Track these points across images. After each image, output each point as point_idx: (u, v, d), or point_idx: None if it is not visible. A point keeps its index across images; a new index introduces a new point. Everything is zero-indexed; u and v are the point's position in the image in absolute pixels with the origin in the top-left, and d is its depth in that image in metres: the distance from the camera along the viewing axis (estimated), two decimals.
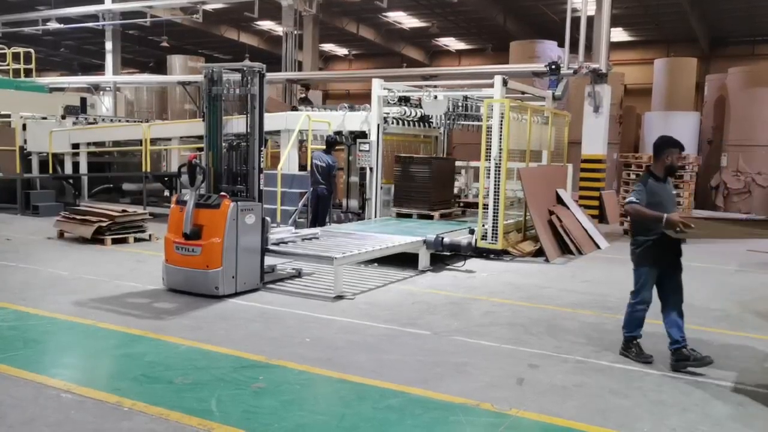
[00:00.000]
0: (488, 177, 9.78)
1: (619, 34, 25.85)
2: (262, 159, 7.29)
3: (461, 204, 13.20)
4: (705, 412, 4.27)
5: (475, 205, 12.32)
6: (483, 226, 9.81)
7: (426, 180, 11.21)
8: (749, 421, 4.17)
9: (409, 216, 11.33)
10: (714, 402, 4.45)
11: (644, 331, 5.33)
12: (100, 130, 15.48)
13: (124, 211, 10.88)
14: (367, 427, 3.91)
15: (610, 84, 14.32)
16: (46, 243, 10.43)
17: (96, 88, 22.37)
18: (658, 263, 5.19)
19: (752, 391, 4.65)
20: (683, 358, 5.03)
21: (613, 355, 5.39)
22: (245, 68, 7.27)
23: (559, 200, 11.23)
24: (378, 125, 11.17)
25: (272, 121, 11.89)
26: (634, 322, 5.33)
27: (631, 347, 5.35)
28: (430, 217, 11.08)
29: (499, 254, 9.83)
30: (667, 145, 5.28)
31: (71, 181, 15.28)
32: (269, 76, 9.21)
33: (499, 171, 9.68)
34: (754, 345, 5.83)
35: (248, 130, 7.24)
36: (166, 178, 15.85)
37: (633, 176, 12.93)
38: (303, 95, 17.19)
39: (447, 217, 11.56)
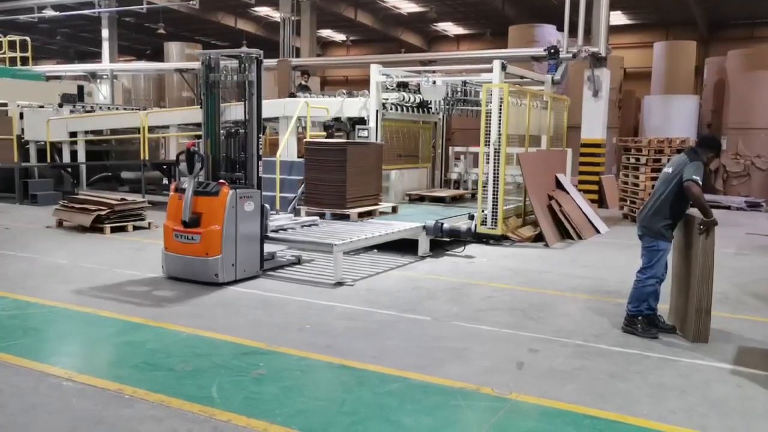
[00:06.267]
0: (488, 162, 9.76)
1: (618, 18, 25.70)
2: (260, 146, 7.27)
3: (420, 198, 11.88)
4: (704, 395, 4.29)
5: (442, 200, 11.83)
6: (482, 211, 9.80)
7: (339, 171, 9.17)
8: (748, 403, 4.19)
9: (320, 216, 9.41)
10: (713, 384, 4.47)
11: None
12: (97, 119, 15.42)
13: (122, 199, 10.87)
14: (367, 413, 3.93)
15: (609, 68, 14.26)
16: (45, 232, 10.42)
17: (93, 76, 22.24)
18: (672, 240, 5.52)
19: (751, 374, 4.67)
20: (652, 325, 5.52)
21: (613, 338, 5.41)
22: (243, 55, 7.23)
23: (559, 185, 11.22)
24: (377, 111, 11.13)
25: (270, 107, 11.85)
26: (641, 297, 5.48)
27: (636, 323, 5.50)
28: (345, 218, 9.16)
29: (498, 240, 9.83)
30: (715, 145, 5.62)
31: (69, 169, 15.24)
32: (267, 62, 9.18)
33: (498, 156, 9.66)
34: (753, 327, 5.85)
35: (246, 117, 7.21)
36: (164, 166, 15.81)
37: (633, 160, 12.90)
38: (304, 82, 17.08)
39: (367, 216, 9.45)
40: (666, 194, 5.44)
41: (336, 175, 9.23)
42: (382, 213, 9.86)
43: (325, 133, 11.54)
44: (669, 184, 5.43)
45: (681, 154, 5.66)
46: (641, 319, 5.50)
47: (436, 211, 10.58)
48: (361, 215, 9.28)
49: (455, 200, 12.02)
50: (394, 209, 10.17)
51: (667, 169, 5.56)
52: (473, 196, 12.28)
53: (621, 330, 5.57)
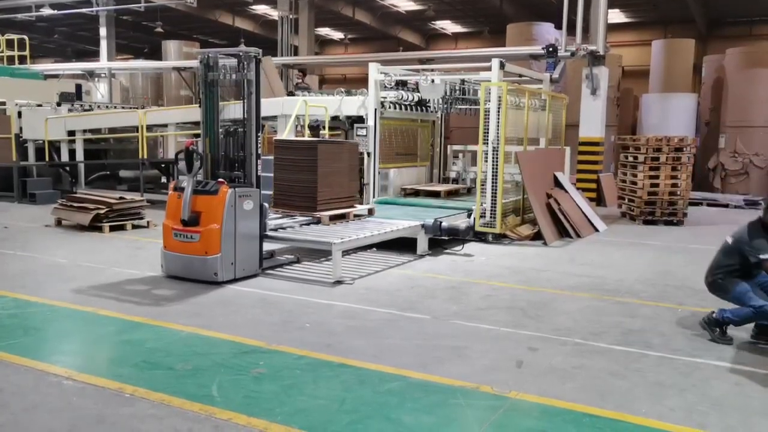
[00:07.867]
0: (486, 161, 9.77)
1: (617, 16, 25.73)
2: (259, 144, 7.27)
3: (415, 192, 11.68)
4: (703, 393, 4.30)
5: (437, 194, 11.61)
6: (481, 209, 9.81)
7: (310, 172, 8.53)
8: (747, 401, 4.20)
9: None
10: (712, 382, 4.48)
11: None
12: (95, 117, 15.41)
13: (121, 198, 10.86)
14: (367, 411, 3.94)
15: (607, 66, 14.27)
16: (44, 231, 10.41)
17: (91, 75, 22.23)
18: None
19: (750, 372, 4.68)
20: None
21: (612, 336, 5.43)
22: (241, 53, 7.23)
23: (557, 183, 11.23)
24: (375, 110, 11.13)
25: (269, 106, 11.85)
26: (745, 318, 5.26)
27: (719, 323, 5.34)
28: (316, 221, 8.66)
29: (497, 238, 9.84)
30: None
31: (68, 168, 15.24)
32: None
33: (496, 155, 9.66)
34: (752, 326, 5.84)
35: (245, 116, 7.22)
36: (163, 165, 15.81)
37: (631, 158, 12.91)
38: (300, 80, 17.18)
39: (339, 219, 8.83)
40: (728, 268, 5.34)
41: (306, 175, 8.59)
42: (357, 216, 9.19)
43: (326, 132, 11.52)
44: (729, 256, 5.34)
45: (746, 225, 5.37)
46: (724, 328, 5.34)
47: (421, 213, 9.76)
48: (333, 218, 8.72)
49: (451, 195, 11.94)
50: (371, 211, 9.53)
51: (728, 239, 5.40)
52: (469, 191, 12.30)
53: (699, 323, 5.47)
